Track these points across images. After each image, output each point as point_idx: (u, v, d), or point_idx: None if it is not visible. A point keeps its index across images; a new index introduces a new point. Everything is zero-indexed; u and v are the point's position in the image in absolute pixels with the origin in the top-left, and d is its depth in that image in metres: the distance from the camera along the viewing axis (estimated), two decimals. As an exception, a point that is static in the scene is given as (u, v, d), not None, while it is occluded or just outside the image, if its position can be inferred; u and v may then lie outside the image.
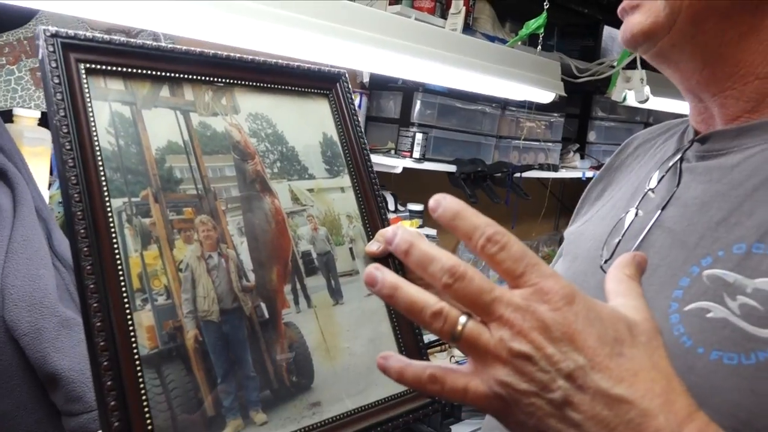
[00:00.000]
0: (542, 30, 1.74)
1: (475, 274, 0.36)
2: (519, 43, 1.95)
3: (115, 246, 0.51)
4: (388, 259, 0.72)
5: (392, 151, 2.16)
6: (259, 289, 0.62)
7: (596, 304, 0.38)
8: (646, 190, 0.60)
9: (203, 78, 0.64)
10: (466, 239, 0.38)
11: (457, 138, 2.23)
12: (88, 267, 0.48)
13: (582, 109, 2.62)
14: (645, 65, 1.98)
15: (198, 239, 0.58)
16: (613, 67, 2.08)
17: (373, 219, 0.74)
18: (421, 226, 2.17)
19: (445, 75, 1.55)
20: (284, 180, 0.69)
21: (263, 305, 0.62)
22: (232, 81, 0.67)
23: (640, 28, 0.54)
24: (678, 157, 0.59)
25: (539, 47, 1.82)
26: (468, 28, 2.09)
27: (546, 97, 1.74)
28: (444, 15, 2.05)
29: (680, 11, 0.52)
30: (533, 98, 1.77)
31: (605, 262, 0.59)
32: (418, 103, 2.12)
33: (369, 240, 0.73)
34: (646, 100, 1.93)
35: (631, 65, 1.97)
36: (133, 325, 0.50)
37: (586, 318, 0.36)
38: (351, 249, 0.71)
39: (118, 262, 0.51)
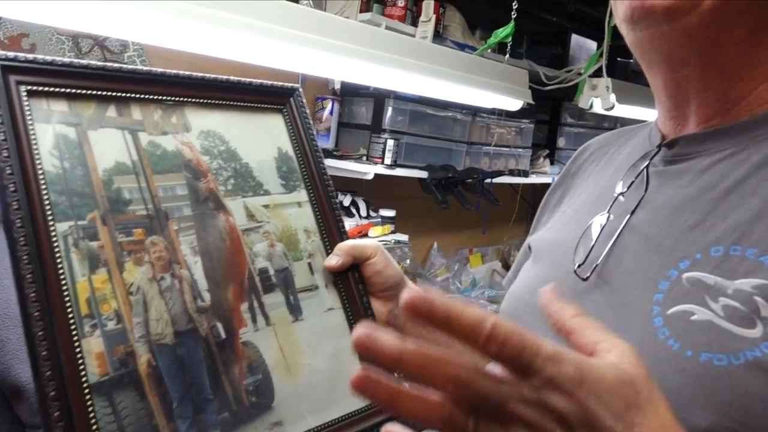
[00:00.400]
0: (510, 39, 1.74)
1: (478, 378, 0.34)
2: (488, 51, 1.95)
3: (61, 271, 0.50)
4: (347, 273, 0.72)
5: (364, 158, 2.15)
6: (215, 308, 0.60)
7: (600, 373, 0.36)
8: (615, 195, 0.60)
9: (152, 97, 0.63)
10: (464, 340, 0.35)
11: (429, 144, 2.23)
12: (32, 294, 0.46)
13: (551, 116, 2.64)
14: (611, 73, 2.00)
15: (149, 261, 0.57)
16: (581, 74, 2.09)
17: (332, 233, 0.73)
18: (393, 232, 2.17)
19: (414, 83, 1.54)
20: (239, 197, 0.67)
21: (219, 325, 0.60)
22: (182, 99, 0.65)
23: (669, 6, 0.50)
24: (645, 162, 0.59)
25: (507, 55, 1.82)
26: (438, 36, 2.09)
27: (514, 104, 1.74)
28: (414, 23, 2.05)
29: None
30: (502, 106, 1.77)
31: (578, 266, 0.59)
32: (390, 109, 2.11)
33: (328, 254, 0.72)
34: (612, 108, 1.95)
35: (597, 73, 1.99)
36: (81, 352, 0.49)
37: (597, 396, 0.35)
38: (309, 264, 0.70)
39: (64, 287, 0.49)
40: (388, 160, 2.08)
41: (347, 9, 1.94)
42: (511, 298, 0.68)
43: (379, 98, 2.12)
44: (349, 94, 2.22)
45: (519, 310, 0.64)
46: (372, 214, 2.17)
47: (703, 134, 0.55)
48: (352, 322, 0.70)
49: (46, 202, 0.51)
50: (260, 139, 0.72)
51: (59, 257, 0.50)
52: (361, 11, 1.94)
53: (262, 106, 0.73)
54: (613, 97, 1.94)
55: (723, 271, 0.47)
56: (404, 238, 2.17)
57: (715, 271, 0.48)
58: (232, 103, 0.70)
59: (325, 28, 1.22)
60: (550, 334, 0.56)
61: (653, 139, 0.61)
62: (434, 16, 1.99)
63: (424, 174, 2.16)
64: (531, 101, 1.74)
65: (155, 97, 0.63)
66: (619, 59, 2.45)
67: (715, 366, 0.44)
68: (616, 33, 0.59)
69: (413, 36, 2.01)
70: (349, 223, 2.09)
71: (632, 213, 0.57)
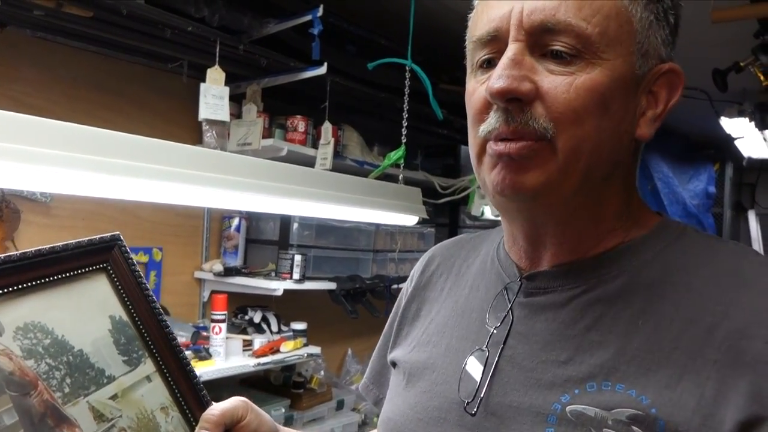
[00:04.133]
0: (402, 160, 1.83)
1: None
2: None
3: None
4: None
5: (272, 273, 2.14)
6: None
7: None
8: (490, 330, 0.61)
9: None
10: None
11: (336, 255, 2.25)
12: None
13: (450, 218, 2.75)
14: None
15: None
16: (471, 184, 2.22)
17: (190, 401, 0.64)
18: (305, 345, 2.13)
19: (315, 210, 1.58)
20: (81, 398, 0.55)
21: None
22: None
23: (533, 184, 0.53)
24: (507, 296, 0.62)
25: (401, 176, 1.91)
26: (338, 155, 2.16)
27: (410, 220, 1.81)
28: (315, 145, 2.11)
29: (571, 177, 0.54)
30: (399, 222, 1.84)
31: (468, 404, 0.59)
32: (296, 225, 2.14)
33: (191, 425, 0.63)
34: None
35: (486, 184, 2.11)
36: None
37: None
38: None
39: None
40: (296, 275, 2.08)
41: (250, 135, 1.98)
42: (391, 426, 0.66)
43: (285, 215, 2.14)
44: (255, 212, 2.23)
45: None
46: (283, 328, 2.13)
47: (556, 271, 0.59)
48: None
49: None
50: (88, 312, 0.60)
51: None
52: (263, 137, 1.98)
53: (82, 270, 0.60)
54: (500, 205, 2.06)
55: (599, 402, 0.51)
56: (317, 350, 2.13)
57: (593, 403, 0.51)
58: (46, 280, 0.57)
59: (229, 168, 1.24)
60: None
61: (506, 267, 0.64)
62: (333, 138, 2.07)
63: (332, 285, 2.17)
64: (426, 216, 1.81)
65: None
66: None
67: None
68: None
69: (314, 157, 2.07)
70: (260, 340, 2.04)
71: (504, 343, 0.59)
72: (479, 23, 0.57)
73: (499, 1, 0.55)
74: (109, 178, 1.00)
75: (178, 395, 0.63)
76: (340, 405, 2.30)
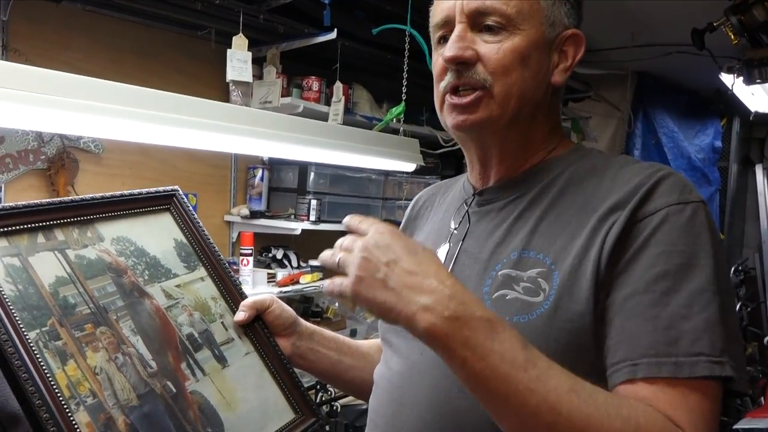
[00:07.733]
0: (402, 116, 2.02)
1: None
2: (392, 121, 2.23)
3: (44, 369, 0.62)
4: (254, 323, 0.87)
5: (292, 216, 2.38)
6: (162, 371, 0.73)
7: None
8: (451, 231, 0.81)
9: (68, 220, 0.75)
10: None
11: (349, 202, 2.46)
12: (32, 389, 0.60)
13: (456, 171, 2.93)
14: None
15: (103, 346, 0.69)
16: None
17: (233, 295, 0.87)
18: (321, 279, 2.38)
19: (326, 157, 1.77)
20: (155, 283, 0.80)
21: (169, 383, 0.73)
22: (91, 217, 0.78)
23: (481, 120, 0.73)
24: (466, 206, 0.82)
25: (402, 127, 2.09)
26: (349, 112, 2.35)
27: (409, 167, 2.00)
28: (328, 102, 2.30)
29: (506, 112, 0.73)
30: (400, 169, 2.03)
31: None
32: (312, 174, 2.35)
33: (234, 312, 0.86)
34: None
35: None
36: (77, 424, 0.61)
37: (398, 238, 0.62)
38: (222, 323, 0.85)
39: (50, 380, 0.61)
40: (312, 217, 2.31)
41: (270, 94, 2.18)
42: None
43: (303, 165, 2.35)
44: (276, 162, 2.44)
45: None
46: (302, 264, 2.38)
47: (497, 186, 0.79)
48: (265, 359, 0.86)
49: (17, 318, 0.62)
50: (159, 234, 0.85)
51: (39, 358, 0.62)
52: (282, 96, 2.18)
53: (153, 209, 0.86)
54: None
55: (519, 266, 0.70)
56: (331, 283, 2.38)
57: (515, 267, 0.71)
58: (130, 211, 0.82)
59: (252, 120, 1.45)
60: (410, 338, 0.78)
61: (467, 190, 0.84)
62: (343, 96, 2.26)
63: (344, 228, 2.39)
64: (423, 164, 1.99)
65: (71, 219, 0.75)
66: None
67: (521, 323, 0.67)
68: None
69: (327, 113, 2.27)
70: (282, 273, 2.29)
71: (463, 241, 0.79)
72: (436, 13, 0.78)
73: None
74: (155, 127, 1.17)
75: (224, 291, 0.88)
76: (353, 333, 2.57)
